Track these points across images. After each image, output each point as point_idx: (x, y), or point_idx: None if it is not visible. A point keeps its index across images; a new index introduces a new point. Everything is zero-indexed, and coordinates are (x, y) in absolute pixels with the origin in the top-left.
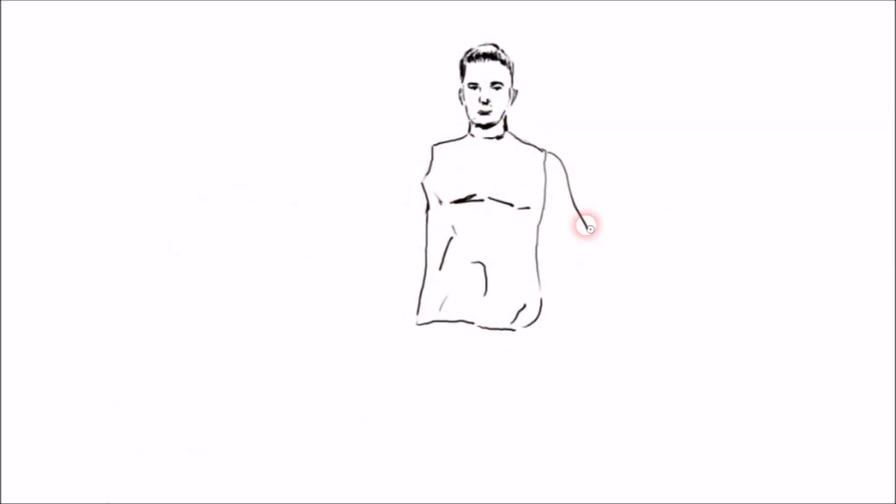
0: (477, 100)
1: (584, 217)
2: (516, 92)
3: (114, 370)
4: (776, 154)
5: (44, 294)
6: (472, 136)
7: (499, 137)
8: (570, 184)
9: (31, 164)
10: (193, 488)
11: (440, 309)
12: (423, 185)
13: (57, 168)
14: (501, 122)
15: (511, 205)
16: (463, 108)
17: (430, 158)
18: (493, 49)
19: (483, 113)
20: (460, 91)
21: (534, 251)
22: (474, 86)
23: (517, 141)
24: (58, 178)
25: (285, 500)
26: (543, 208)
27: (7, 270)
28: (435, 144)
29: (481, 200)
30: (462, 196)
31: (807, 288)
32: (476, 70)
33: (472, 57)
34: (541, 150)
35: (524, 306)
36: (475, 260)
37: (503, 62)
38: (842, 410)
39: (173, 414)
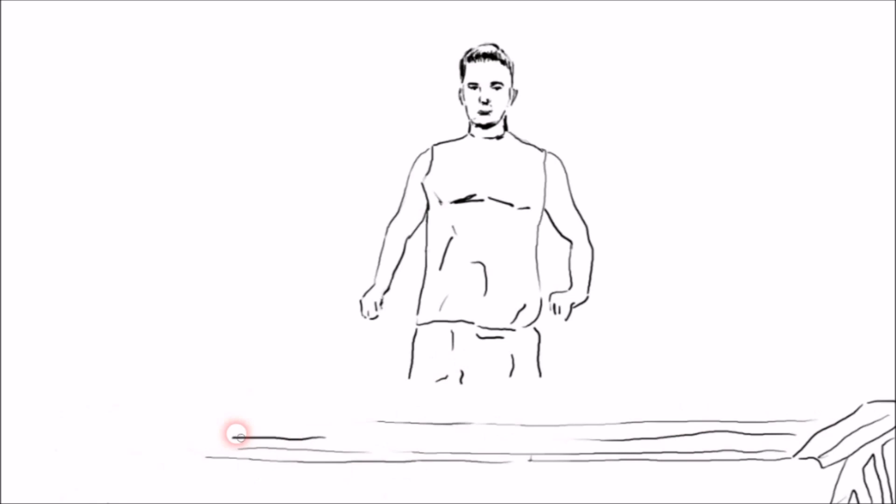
0: (477, 100)
1: None
2: (516, 92)
3: (113, 369)
4: (775, 155)
5: (42, 293)
6: (472, 136)
7: (499, 137)
8: (570, 184)
9: (27, 163)
10: (193, 488)
11: (440, 309)
12: (423, 185)
13: (54, 168)
14: (501, 122)
15: (511, 205)
16: (463, 108)
17: (430, 158)
18: (493, 49)
19: (483, 113)
20: (460, 91)
21: (534, 251)
22: (474, 86)
23: (517, 141)
24: (55, 178)
25: (281, 499)
26: (543, 208)
27: (6, 268)
28: (435, 144)
29: (481, 200)
30: (462, 196)
31: (804, 290)
32: (476, 70)
33: (472, 57)
34: (541, 150)
35: (524, 306)
36: (475, 260)
37: (503, 62)
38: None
39: (173, 414)
